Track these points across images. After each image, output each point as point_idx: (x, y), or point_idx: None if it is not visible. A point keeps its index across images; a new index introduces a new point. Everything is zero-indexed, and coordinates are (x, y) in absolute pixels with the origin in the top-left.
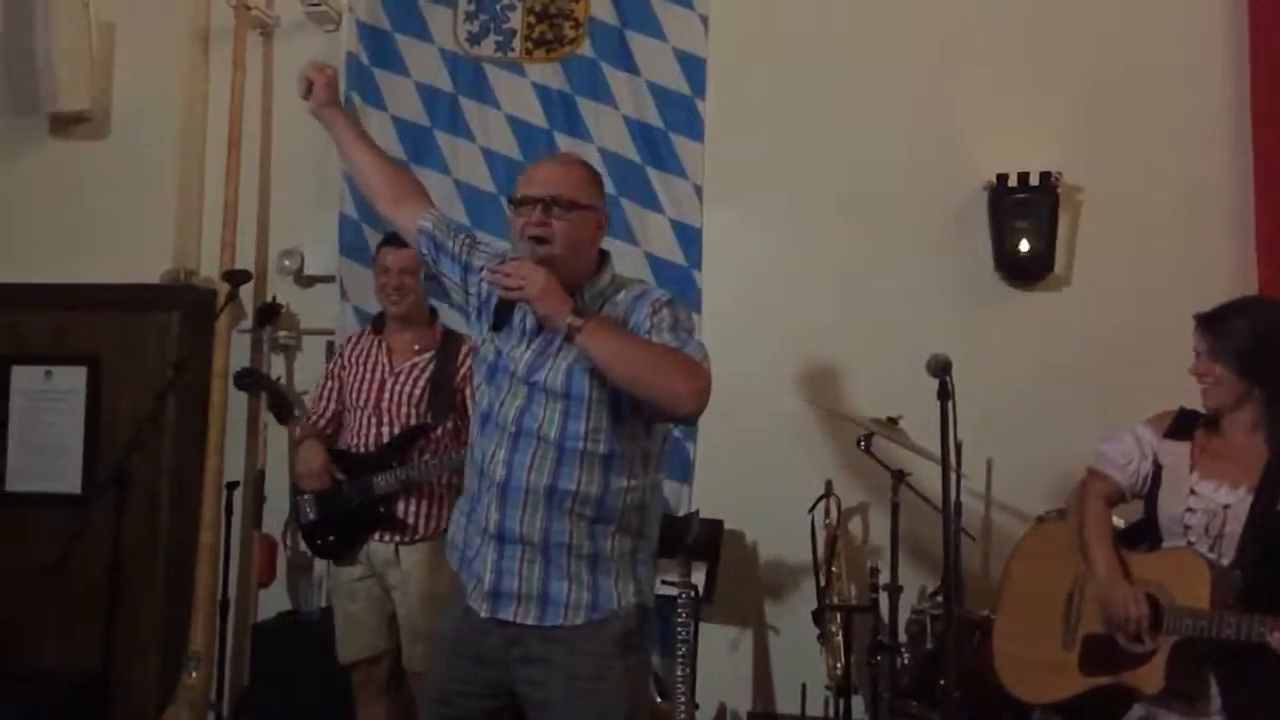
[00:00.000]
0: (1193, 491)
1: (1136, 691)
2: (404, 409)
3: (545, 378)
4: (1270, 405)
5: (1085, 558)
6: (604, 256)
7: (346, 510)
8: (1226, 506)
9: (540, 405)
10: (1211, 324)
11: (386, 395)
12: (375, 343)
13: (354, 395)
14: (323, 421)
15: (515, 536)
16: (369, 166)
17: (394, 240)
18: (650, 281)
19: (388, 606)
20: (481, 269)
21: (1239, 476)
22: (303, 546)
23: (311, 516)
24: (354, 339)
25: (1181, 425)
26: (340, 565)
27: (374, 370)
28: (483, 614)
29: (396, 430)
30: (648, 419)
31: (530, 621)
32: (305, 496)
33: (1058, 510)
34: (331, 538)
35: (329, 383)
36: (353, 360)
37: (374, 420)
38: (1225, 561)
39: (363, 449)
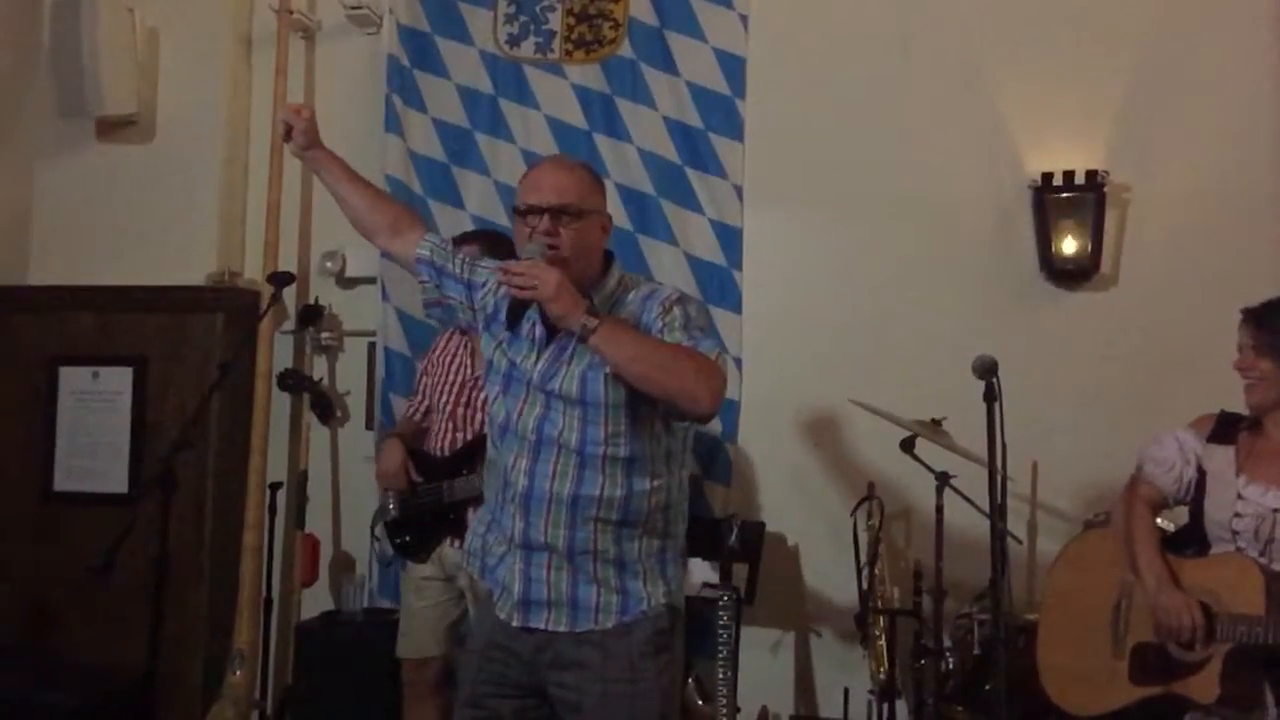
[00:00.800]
0: (1240, 496)
1: (1189, 701)
2: (479, 415)
3: (560, 385)
4: None
5: (1132, 566)
6: (609, 258)
7: (421, 511)
8: (1276, 510)
9: (558, 413)
10: (1259, 318)
11: (464, 400)
12: (463, 344)
13: (436, 397)
14: (419, 415)
15: (541, 545)
16: (361, 203)
17: (467, 238)
18: (692, 284)
19: (452, 612)
20: (485, 284)
21: None
22: (346, 545)
23: (395, 514)
24: (445, 338)
25: (1224, 428)
26: (414, 562)
27: (457, 373)
28: (514, 623)
29: (470, 436)
30: (665, 418)
31: (562, 628)
32: (389, 494)
33: (1105, 514)
34: (408, 538)
35: (424, 379)
36: (438, 361)
37: (450, 425)
38: (1277, 567)
39: (439, 453)
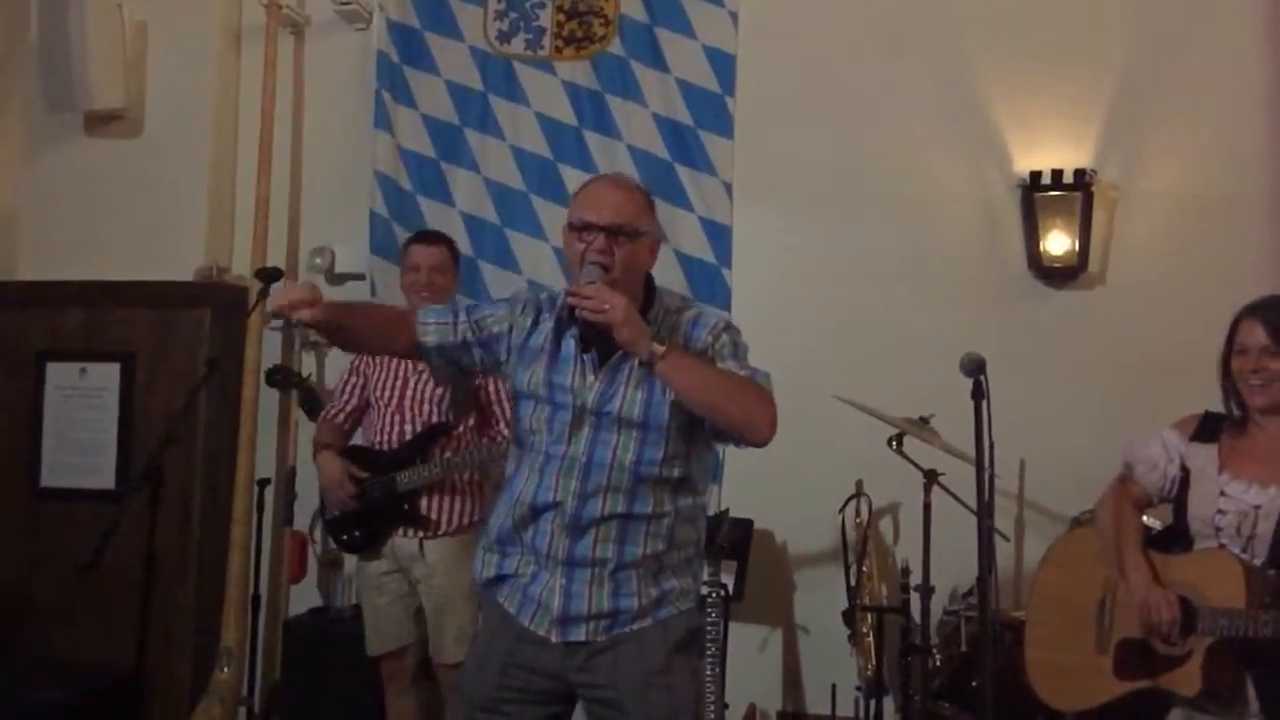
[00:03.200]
0: (1223, 493)
1: (1174, 695)
2: (426, 406)
3: (620, 408)
4: None
5: (1117, 563)
6: (650, 280)
7: (370, 507)
8: (1258, 507)
9: (612, 434)
10: (1275, 319)
11: (409, 393)
12: None
13: (378, 392)
14: (341, 416)
15: (588, 562)
16: (372, 332)
17: (423, 237)
18: (681, 281)
19: (414, 600)
20: (499, 333)
21: (1269, 476)
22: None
23: (335, 512)
24: None
25: (1208, 428)
26: (366, 560)
27: (397, 367)
28: (552, 639)
29: (419, 427)
30: (716, 438)
31: (600, 638)
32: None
33: (1091, 512)
34: (356, 533)
35: (352, 378)
36: (377, 358)
37: (397, 418)
38: (1258, 562)
39: (386, 446)
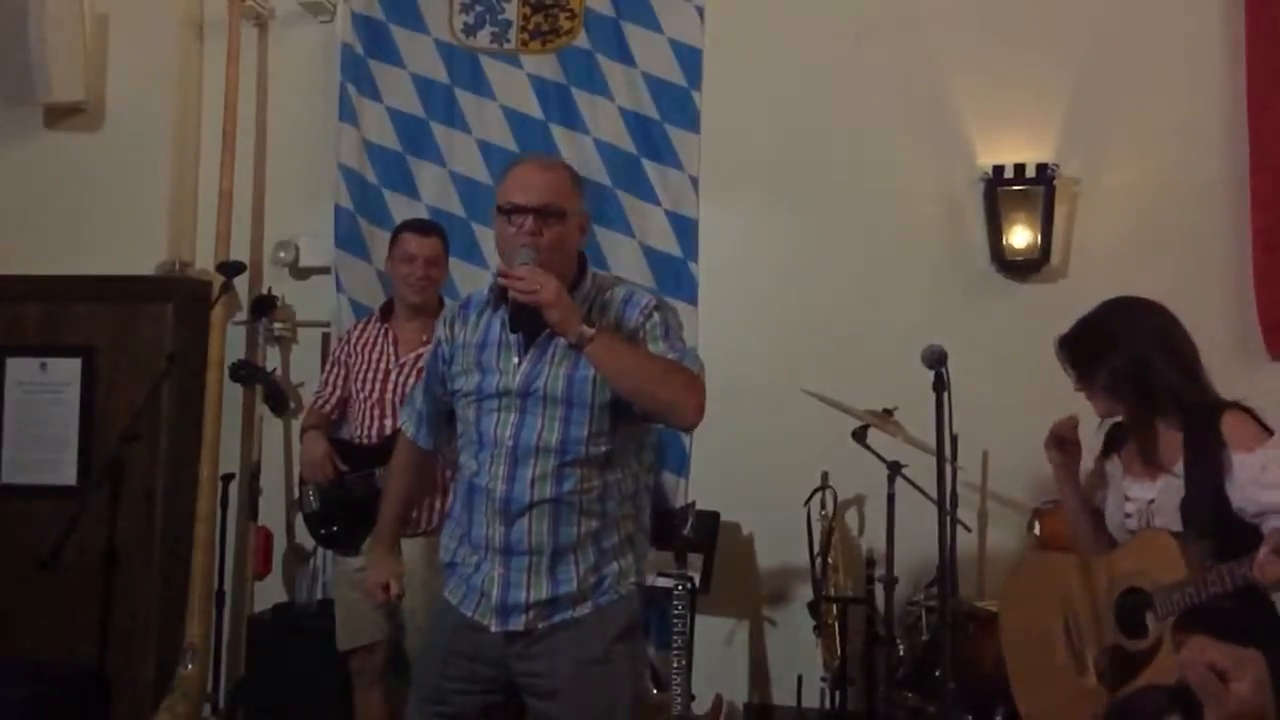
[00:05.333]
0: (1127, 496)
1: (1158, 688)
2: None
3: (545, 385)
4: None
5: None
6: (582, 257)
7: (349, 501)
8: (1151, 501)
9: (537, 416)
10: (1070, 352)
11: (390, 387)
12: (381, 331)
13: (359, 384)
14: (328, 407)
15: (523, 549)
16: (420, 491)
17: (417, 227)
18: (648, 275)
19: None
20: (448, 356)
21: (1156, 470)
22: (300, 538)
23: (314, 506)
24: (361, 325)
25: (1114, 439)
26: (343, 555)
27: (379, 360)
28: (492, 628)
29: (398, 423)
30: (643, 419)
31: (541, 625)
32: (308, 486)
33: (1053, 501)
34: (335, 528)
35: (335, 369)
36: (358, 349)
37: (377, 412)
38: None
39: (366, 440)
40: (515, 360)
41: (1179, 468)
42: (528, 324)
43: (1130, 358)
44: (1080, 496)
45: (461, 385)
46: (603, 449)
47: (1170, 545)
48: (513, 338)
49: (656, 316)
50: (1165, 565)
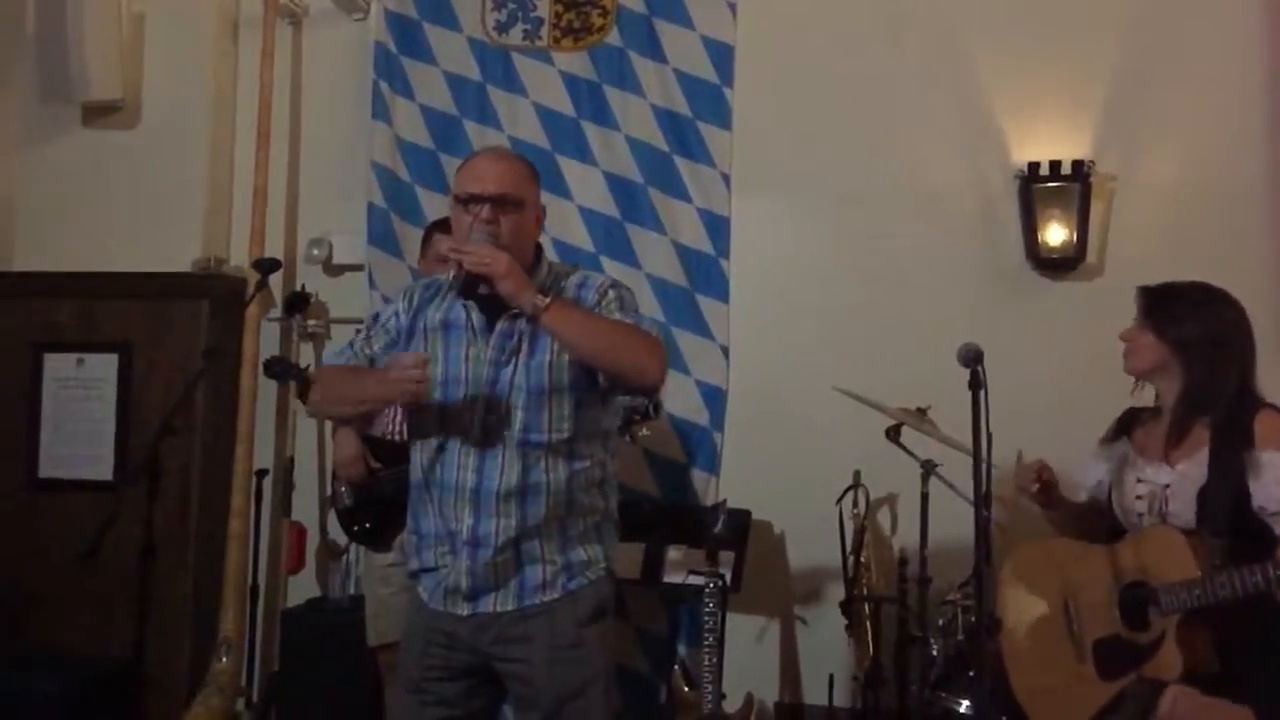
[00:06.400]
0: (1139, 479)
1: (1160, 682)
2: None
3: (510, 376)
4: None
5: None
6: (539, 249)
7: (382, 498)
8: (1166, 485)
9: (499, 405)
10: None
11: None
12: None
13: None
14: None
15: (491, 538)
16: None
17: (447, 226)
18: (679, 272)
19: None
20: (392, 321)
21: (1174, 454)
22: (333, 533)
23: (348, 503)
24: None
25: (1124, 423)
26: (375, 551)
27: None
28: (463, 614)
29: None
30: (605, 396)
31: (509, 608)
32: (341, 483)
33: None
34: (367, 524)
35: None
36: None
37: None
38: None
39: (398, 437)
40: (479, 348)
41: (1201, 456)
42: (477, 294)
43: (1216, 330)
44: (1068, 514)
45: (413, 370)
46: (566, 435)
47: (1181, 543)
48: (476, 325)
49: (612, 294)
50: (1174, 562)
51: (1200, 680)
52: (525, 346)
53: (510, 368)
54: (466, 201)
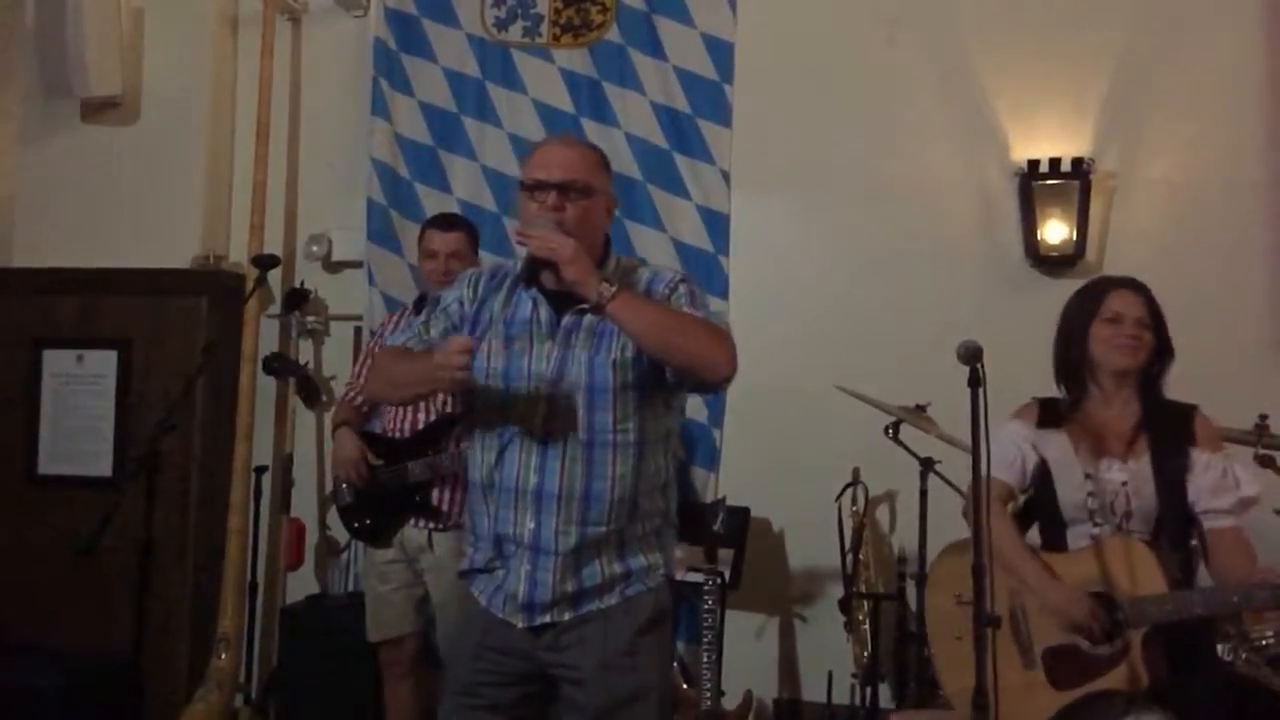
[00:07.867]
0: (1087, 475)
1: (1118, 694)
2: (440, 395)
3: (573, 372)
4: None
5: (1017, 574)
6: (607, 242)
7: (382, 495)
8: (1124, 483)
9: (563, 403)
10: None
11: None
12: None
13: None
14: (360, 400)
15: (552, 544)
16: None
17: (439, 222)
18: (679, 269)
19: (417, 590)
20: (458, 306)
21: (1127, 451)
22: (333, 530)
23: (348, 500)
24: (394, 319)
25: (1049, 414)
26: (374, 548)
27: None
28: (519, 625)
29: (432, 417)
30: (671, 394)
31: (566, 618)
32: (341, 480)
33: None
34: (368, 521)
35: (368, 361)
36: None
37: (410, 406)
38: (1137, 538)
39: (398, 434)
40: (546, 346)
41: (1145, 454)
42: (540, 281)
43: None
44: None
45: (481, 360)
46: (631, 436)
47: (1148, 557)
48: (543, 319)
49: (682, 288)
50: (1139, 578)
51: (1157, 693)
52: (592, 343)
53: (576, 365)
54: (532, 188)
